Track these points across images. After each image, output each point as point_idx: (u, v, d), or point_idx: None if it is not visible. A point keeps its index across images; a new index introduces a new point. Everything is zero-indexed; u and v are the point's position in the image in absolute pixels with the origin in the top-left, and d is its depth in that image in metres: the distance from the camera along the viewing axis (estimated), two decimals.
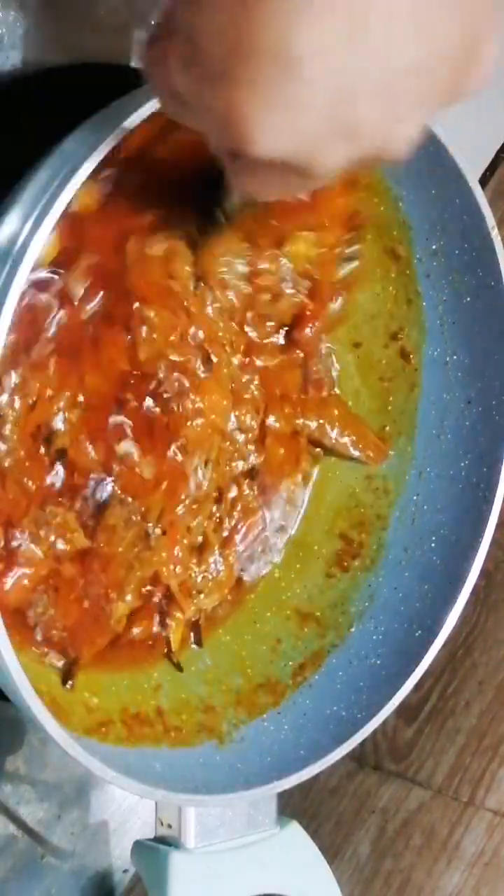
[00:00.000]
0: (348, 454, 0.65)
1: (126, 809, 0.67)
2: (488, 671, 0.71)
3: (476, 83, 0.36)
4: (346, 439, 0.64)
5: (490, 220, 0.58)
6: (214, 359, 0.58)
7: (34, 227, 0.44)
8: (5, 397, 0.52)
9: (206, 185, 0.51)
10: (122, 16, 0.55)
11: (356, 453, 0.65)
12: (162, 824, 0.56)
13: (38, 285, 0.51)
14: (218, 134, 0.35)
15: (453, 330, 0.62)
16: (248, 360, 0.61)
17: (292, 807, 0.60)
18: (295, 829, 0.59)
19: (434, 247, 0.61)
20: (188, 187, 0.53)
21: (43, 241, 0.44)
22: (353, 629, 0.63)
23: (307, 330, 0.62)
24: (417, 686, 0.59)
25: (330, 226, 0.60)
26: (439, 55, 0.33)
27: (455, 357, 0.62)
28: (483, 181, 0.82)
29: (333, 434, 0.64)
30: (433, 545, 0.62)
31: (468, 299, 0.61)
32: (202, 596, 0.61)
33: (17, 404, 0.52)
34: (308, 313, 0.62)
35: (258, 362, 0.61)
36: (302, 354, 0.63)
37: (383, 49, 0.32)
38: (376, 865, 0.68)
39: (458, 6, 0.33)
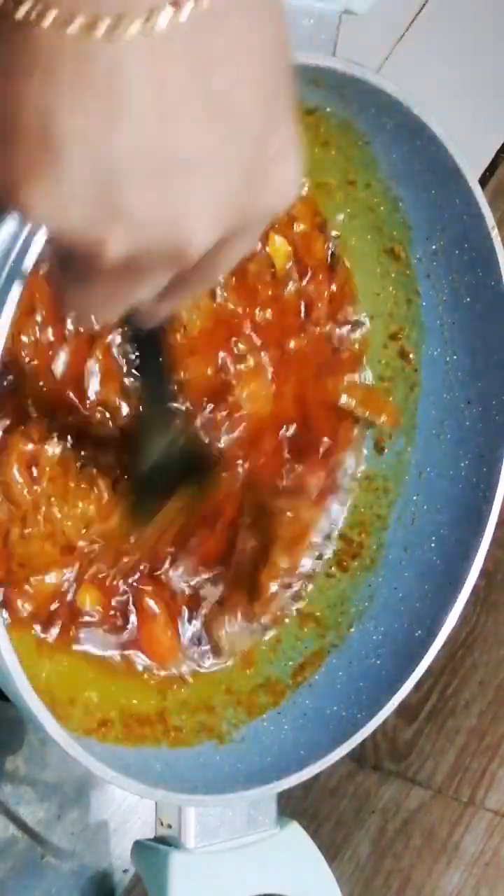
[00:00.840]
0: (369, 420, 0.65)
1: (126, 809, 0.67)
2: (488, 671, 0.71)
3: (272, 201, 0.35)
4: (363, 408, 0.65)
5: (490, 221, 0.58)
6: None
7: (33, 227, 0.44)
8: None
9: None
10: None
11: (374, 418, 0.65)
12: (162, 824, 0.56)
13: None
14: (6, 201, 0.34)
15: (453, 330, 0.62)
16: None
17: (292, 807, 0.60)
18: (295, 829, 0.59)
19: (434, 247, 0.61)
20: None
21: (43, 242, 0.44)
22: (352, 629, 0.63)
23: (318, 306, 0.62)
24: (417, 686, 0.59)
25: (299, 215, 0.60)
26: (208, 157, 0.32)
27: (455, 357, 0.62)
28: (483, 181, 0.82)
29: (354, 403, 0.64)
30: (433, 545, 0.62)
31: (468, 299, 0.61)
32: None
33: None
34: (313, 295, 0.62)
35: (290, 344, 0.61)
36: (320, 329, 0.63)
37: (145, 139, 0.31)
38: (376, 865, 0.68)
39: (226, 114, 0.32)
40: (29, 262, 0.43)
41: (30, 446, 0.52)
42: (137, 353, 0.52)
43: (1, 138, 0.32)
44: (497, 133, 0.84)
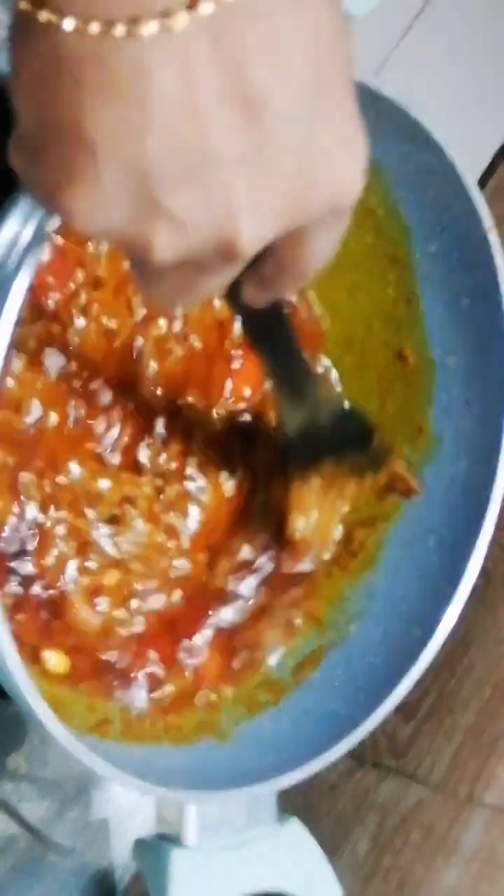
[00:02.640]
0: None
1: (127, 807, 0.67)
2: (487, 669, 0.71)
3: (329, 194, 0.34)
4: None
5: (488, 221, 0.58)
6: None
7: (35, 229, 0.44)
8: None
9: None
10: None
11: None
12: (163, 822, 0.56)
13: None
14: (50, 211, 0.34)
15: (452, 330, 0.62)
16: None
17: (292, 804, 0.60)
18: (295, 826, 0.59)
19: (433, 248, 0.61)
20: None
21: (43, 244, 0.44)
22: (352, 628, 0.63)
23: None
24: (416, 684, 0.59)
25: None
26: (246, 153, 0.32)
27: (454, 357, 0.62)
28: (482, 182, 0.82)
29: None
30: (432, 544, 0.62)
31: (467, 300, 0.61)
32: None
33: None
34: None
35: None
36: None
37: (174, 138, 0.31)
38: (375, 862, 0.68)
39: (266, 111, 0.31)
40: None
41: None
42: (259, 334, 0.51)
43: (37, 146, 0.32)
44: (496, 134, 0.84)
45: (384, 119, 0.55)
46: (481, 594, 0.71)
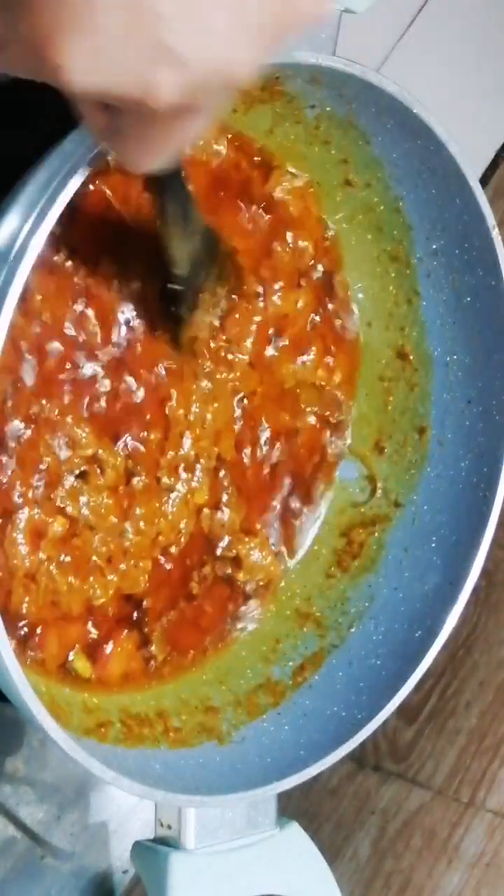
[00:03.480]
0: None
1: (126, 810, 0.67)
2: (489, 671, 0.71)
3: (311, 7, 0.33)
4: None
5: (490, 220, 0.58)
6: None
7: (34, 226, 0.44)
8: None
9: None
10: None
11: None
12: (162, 825, 0.56)
13: None
14: (35, 73, 0.33)
15: (453, 330, 0.62)
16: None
17: (292, 807, 0.60)
18: (295, 830, 0.59)
19: (434, 246, 0.61)
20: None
21: (43, 241, 0.44)
22: (353, 629, 0.63)
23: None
24: (418, 686, 0.59)
25: None
26: None
27: (455, 357, 0.62)
28: (483, 181, 0.82)
29: None
30: (433, 545, 0.62)
31: (468, 299, 0.61)
32: None
33: None
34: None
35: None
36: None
37: None
38: (376, 866, 0.68)
39: None
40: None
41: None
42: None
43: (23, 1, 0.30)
44: (498, 132, 0.83)
45: (386, 115, 0.55)
46: (483, 595, 0.71)
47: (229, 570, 0.61)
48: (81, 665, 0.56)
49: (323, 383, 0.64)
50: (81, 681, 0.56)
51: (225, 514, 0.60)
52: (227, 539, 0.61)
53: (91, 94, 0.32)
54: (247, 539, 0.61)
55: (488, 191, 0.79)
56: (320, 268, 0.62)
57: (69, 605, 0.55)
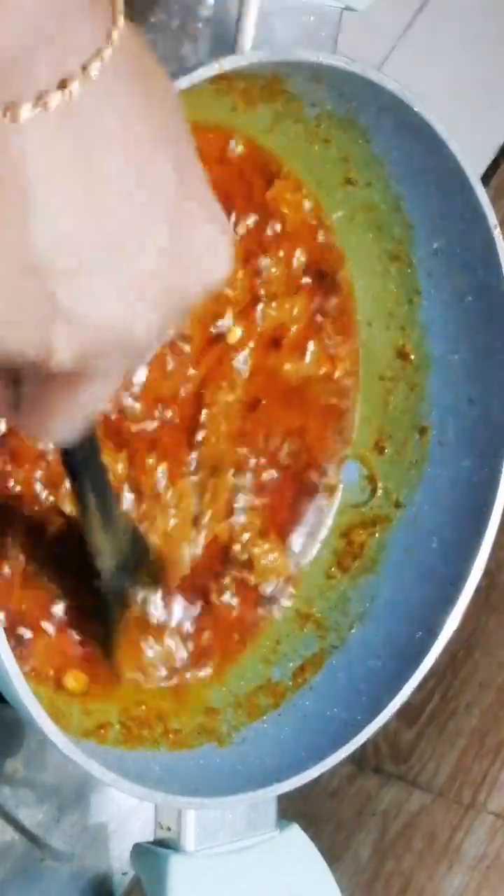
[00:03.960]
0: None
1: (125, 812, 0.67)
2: (490, 672, 0.71)
3: (202, 277, 0.33)
4: None
5: (492, 219, 0.58)
6: None
7: None
8: None
9: None
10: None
11: None
12: (161, 827, 0.56)
13: None
14: None
15: (454, 329, 0.62)
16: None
17: (292, 809, 0.60)
18: (295, 832, 0.59)
19: (435, 246, 0.61)
20: None
21: None
22: (353, 630, 0.62)
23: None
24: (418, 688, 0.59)
25: None
26: (123, 242, 0.31)
27: (456, 356, 0.62)
28: (484, 179, 0.82)
29: None
30: (434, 546, 0.62)
31: (469, 298, 0.61)
32: None
33: None
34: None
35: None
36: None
37: (66, 230, 0.29)
38: (377, 868, 0.68)
39: (139, 192, 0.30)
40: None
41: None
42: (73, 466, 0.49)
43: None
44: (498, 131, 0.83)
45: (386, 114, 0.55)
46: (484, 596, 0.71)
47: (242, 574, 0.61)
48: (73, 682, 0.55)
49: (327, 371, 0.64)
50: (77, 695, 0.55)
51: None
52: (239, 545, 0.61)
53: None
54: (261, 541, 0.61)
55: (489, 190, 0.79)
56: (316, 272, 0.62)
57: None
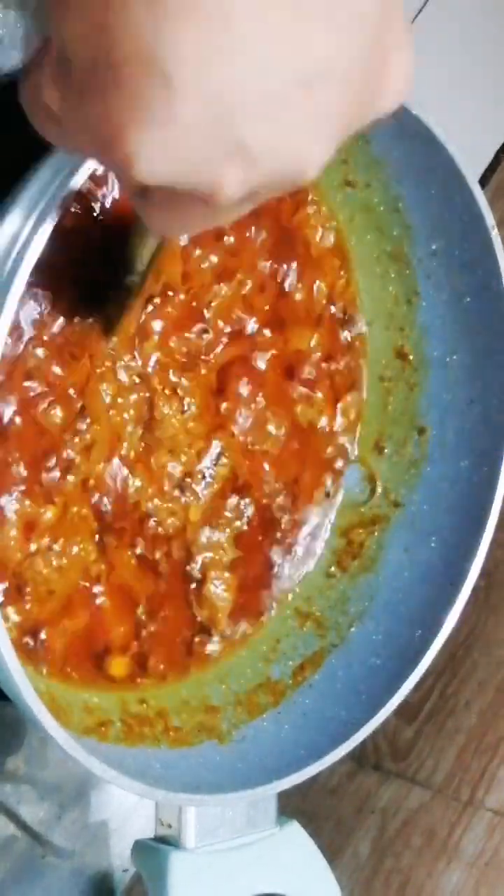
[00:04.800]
0: None
1: (126, 809, 0.67)
2: (488, 671, 0.71)
3: (387, 102, 0.32)
4: None
5: (490, 220, 0.58)
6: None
7: (34, 227, 0.44)
8: None
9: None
10: None
11: None
12: (162, 824, 0.56)
13: None
14: (99, 156, 0.31)
15: (454, 330, 0.62)
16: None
17: (292, 806, 0.60)
18: (295, 829, 0.59)
19: (434, 246, 0.61)
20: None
21: (43, 241, 0.44)
22: (353, 629, 0.63)
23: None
24: (417, 686, 0.59)
25: None
26: (330, 67, 0.29)
27: (455, 357, 0.62)
28: (483, 181, 0.82)
29: None
30: (433, 545, 0.62)
31: (468, 299, 0.61)
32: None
33: None
34: None
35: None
36: None
37: (263, 60, 0.28)
38: (376, 865, 0.68)
39: (344, 14, 0.29)
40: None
41: None
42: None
43: (88, 81, 0.29)
44: (497, 132, 0.83)
45: (385, 116, 0.55)
46: (482, 596, 0.71)
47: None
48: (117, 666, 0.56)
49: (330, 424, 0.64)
50: (108, 680, 0.56)
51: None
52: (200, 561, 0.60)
53: (154, 184, 0.30)
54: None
55: (488, 191, 0.80)
56: (333, 308, 0.62)
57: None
